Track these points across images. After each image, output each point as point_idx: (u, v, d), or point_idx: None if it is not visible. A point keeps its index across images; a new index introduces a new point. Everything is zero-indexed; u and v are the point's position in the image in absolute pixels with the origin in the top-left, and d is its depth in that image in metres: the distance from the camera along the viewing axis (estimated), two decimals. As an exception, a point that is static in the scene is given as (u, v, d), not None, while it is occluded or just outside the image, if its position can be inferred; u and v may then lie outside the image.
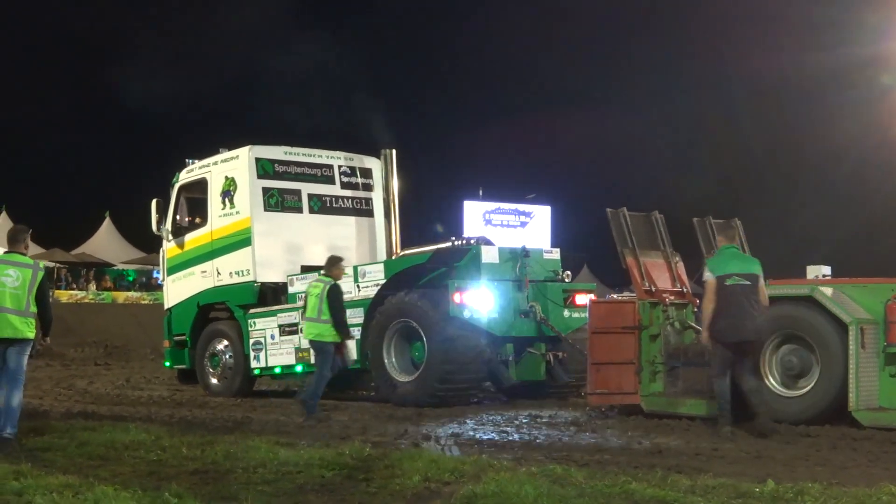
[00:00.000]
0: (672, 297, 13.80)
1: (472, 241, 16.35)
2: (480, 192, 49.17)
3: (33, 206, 66.14)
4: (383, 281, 16.04)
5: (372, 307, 15.92)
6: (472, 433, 12.24)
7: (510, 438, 11.83)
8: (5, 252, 11.48)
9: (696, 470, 9.09)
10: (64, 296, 47.38)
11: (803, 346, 12.37)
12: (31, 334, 10.91)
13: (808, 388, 12.28)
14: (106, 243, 58.19)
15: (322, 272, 14.37)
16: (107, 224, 59.40)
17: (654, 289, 13.68)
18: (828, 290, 12.31)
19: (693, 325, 13.90)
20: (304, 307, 14.24)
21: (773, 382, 12.48)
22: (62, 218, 68.06)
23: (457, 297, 15.00)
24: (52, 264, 52.49)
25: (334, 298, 13.89)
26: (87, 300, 47.93)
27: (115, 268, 57.64)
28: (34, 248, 50.88)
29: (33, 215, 60.94)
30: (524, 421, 13.34)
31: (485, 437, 11.89)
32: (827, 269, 13.79)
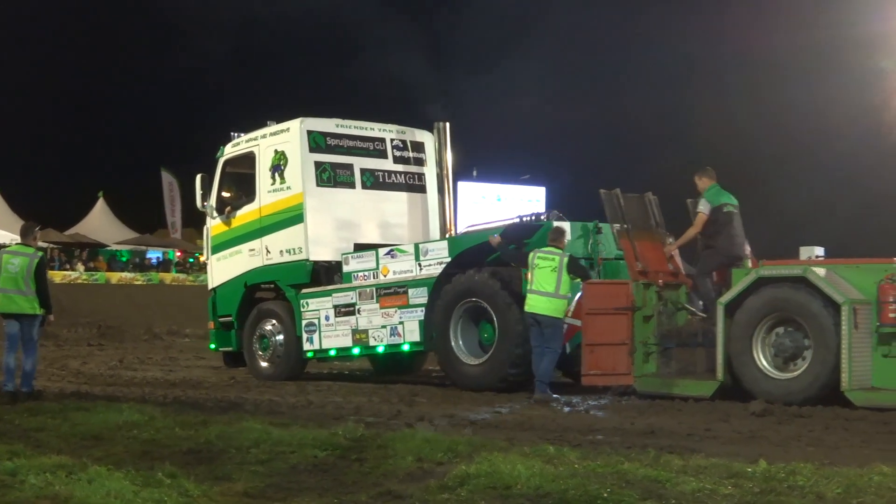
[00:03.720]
0: (665, 278, 13.82)
1: (542, 217, 15.61)
2: (475, 173, 49.03)
3: (27, 186, 66.22)
4: (448, 259, 15.25)
5: (436, 287, 15.16)
6: (465, 414, 12.24)
7: (504, 419, 11.85)
8: (17, 244, 14.13)
9: (689, 450, 9.12)
10: (58, 276, 47.23)
11: (796, 328, 12.40)
12: (32, 310, 13.31)
13: (802, 369, 12.31)
14: (100, 223, 58.26)
15: (550, 243, 13.76)
16: (100, 204, 59.43)
17: (647, 270, 13.70)
18: (821, 271, 12.34)
19: (686, 305, 13.93)
20: (530, 280, 13.59)
21: (765, 364, 12.51)
22: (56, 198, 68.15)
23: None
24: (45, 244, 52.48)
25: (578, 269, 13.69)
26: (80, 280, 47.78)
27: (109, 248, 57.61)
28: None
29: (27, 195, 61.06)
30: (518, 402, 13.35)
31: (478, 418, 11.90)
32: (820, 250, 13.79)
